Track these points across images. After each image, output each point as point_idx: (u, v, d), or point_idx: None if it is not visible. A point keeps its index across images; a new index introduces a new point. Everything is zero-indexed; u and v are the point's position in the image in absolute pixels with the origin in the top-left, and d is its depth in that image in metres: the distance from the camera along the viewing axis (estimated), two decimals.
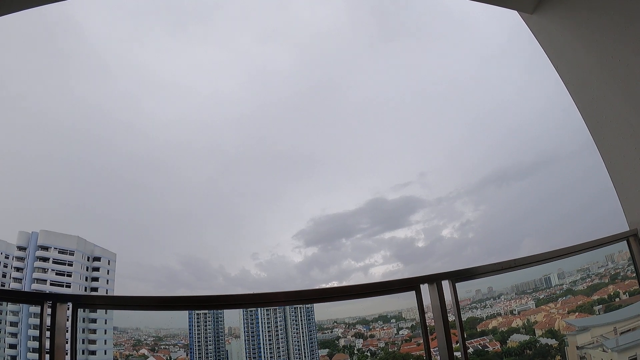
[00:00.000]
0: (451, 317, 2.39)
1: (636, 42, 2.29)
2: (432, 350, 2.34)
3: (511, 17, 3.24)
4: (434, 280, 2.31)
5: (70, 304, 2.37)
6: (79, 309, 2.41)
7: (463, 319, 2.39)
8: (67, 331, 2.45)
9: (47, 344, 2.31)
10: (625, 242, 2.89)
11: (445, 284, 2.33)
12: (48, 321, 2.35)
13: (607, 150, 2.77)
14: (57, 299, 2.32)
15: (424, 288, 2.32)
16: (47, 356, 2.28)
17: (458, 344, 2.42)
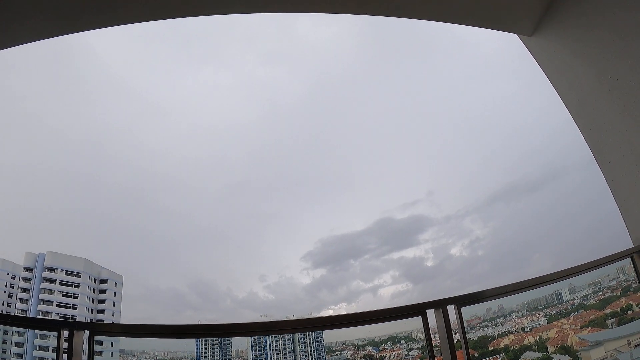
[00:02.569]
0: (458, 338, 2.39)
1: (634, 60, 2.31)
2: None
3: (514, 37, 3.29)
4: (440, 305, 2.32)
5: (87, 332, 2.42)
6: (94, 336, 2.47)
7: (474, 338, 2.39)
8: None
9: None
10: (629, 259, 2.88)
11: (451, 309, 2.33)
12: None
13: (609, 168, 2.78)
14: (74, 327, 2.37)
15: (430, 313, 2.33)
16: None
17: None
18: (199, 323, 2.50)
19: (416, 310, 2.28)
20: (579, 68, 2.78)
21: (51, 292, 35.05)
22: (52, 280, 35.46)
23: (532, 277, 2.51)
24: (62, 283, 35.69)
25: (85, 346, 2.55)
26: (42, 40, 2.90)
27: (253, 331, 2.76)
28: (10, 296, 37.09)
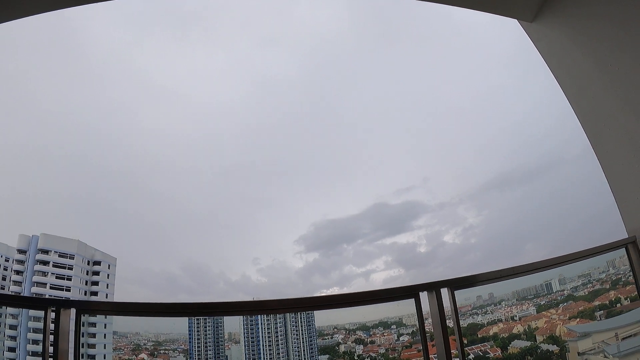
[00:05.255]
0: (450, 324, 2.40)
1: (634, 50, 2.30)
2: (431, 357, 2.34)
3: (513, 23, 3.25)
4: (433, 288, 2.32)
5: (74, 310, 2.39)
6: (82, 315, 2.43)
7: (464, 325, 2.40)
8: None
9: (50, 348, 2.33)
10: (624, 249, 2.89)
11: (444, 292, 2.33)
12: (51, 326, 2.36)
13: (606, 157, 2.78)
14: (60, 305, 2.34)
15: (423, 296, 2.33)
16: None
17: (457, 351, 2.42)
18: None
19: (409, 292, 2.28)
20: (579, 56, 2.75)
21: (44, 274, 35.05)
22: (45, 262, 35.43)
23: (528, 263, 2.52)
24: (56, 265, 35.67)
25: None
26: (36, 14, 2.83)
27: (245, 310, 2.75)
28: (3, 278, 37.10)
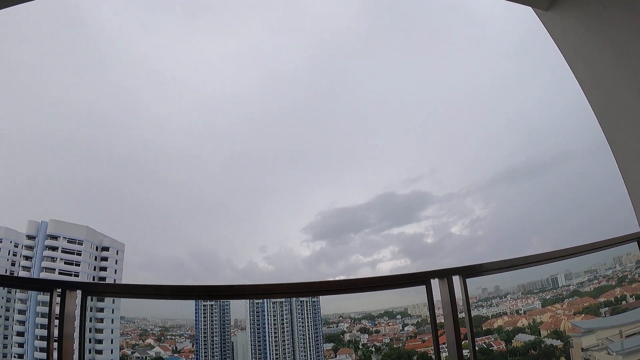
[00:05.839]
0: (459, 314, 2.39)
1: None
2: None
3: (526, 13, 3.21)
4: (445, 275, 2.30)
5: (79, 292, 2.39)
6: (87, 297, 2.42)
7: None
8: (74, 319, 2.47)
9: (55, 332, 2.33)
10: (635, 243, 2.87)
11: (456, 279, 2.32)
12: (56, 309, 2.36)
13: (621, 150, 2.74)
14: (66, 286, 2.33)
15: (434, 283, 2.32)
16: (56, 344, 2.30)
17: (466, 341, 2.42)
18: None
19: (420, 279, 2.26)
20: (595, 45, 2.71)
21: (53, 259, 35.38)
22: (54, 248, 35.78)
23: (540, 253, 2.50)
24: (64, 251, 36.02)
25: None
26: None
27: (251, 294, 2.74)
28: (13, 264, 37.54)
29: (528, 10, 3.21)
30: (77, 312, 2.45)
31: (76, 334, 2.43)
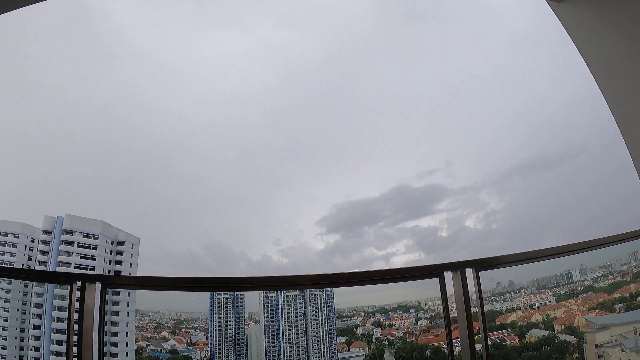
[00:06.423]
0: (472, 308, 2.40)
1: None
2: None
3: (540, 3, 3.19)
4: (458, 268, 2.31)
5: (99, 284, 2.44)
6: (106, 290, 2.48)
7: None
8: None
9: (74, 325, 2.37)
10: None
11: (469, 273, 2.32)
12: (75, 303, 2.41)
13: (635, 142, 2.71)
14: (86, 279, 2.39)
15: (448, 276, 2.33)
16: (75, 337, 2.34)
17: (479, 336, 2.43)
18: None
19: (434, 271, 2.28)
20: (608, 37, 2.68)
21: (69, 254, 35.98)
22: (70, 243, 36.38)
23: (555, 246, 2.49)
24: (80, 245, 36.60)
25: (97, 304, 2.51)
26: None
27: (266, 285, 2.78)
28: (29, 259, 38.28)
29: (541, 0, 3.19)
30: (96, 305, 2.50)
31: (95, 327, 2.48)
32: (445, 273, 2.29)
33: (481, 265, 2.33)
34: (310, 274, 2.29)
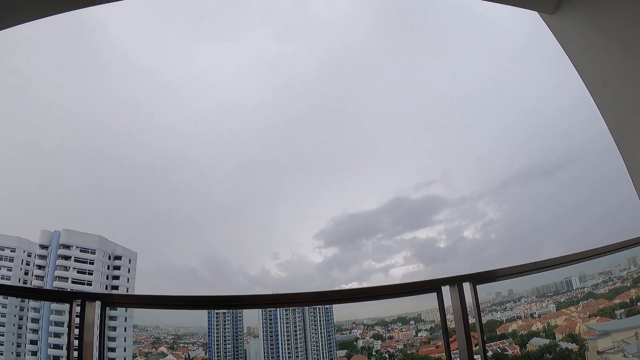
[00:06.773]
0: (471, 320, 2.39)
1: None
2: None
3: (533, 14, 3.21)
4: (455, 282, 2.31)
5: (98, 302, 2.43)
6: (106, 308, 2.47)
7: (482, 322, 2.38)
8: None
9: (72, 341, 2.36)
10: None
11: (467, 286, 2.32)
12: (75, 320, 2.40)
13: (630, 153, 2.72)
14: (86, 298, 2.38)
15: (445, 290, 2.33)
16: (76, 353, 2.34)
17: (478, 347, 2.42)
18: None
19: (431, 286, 2.28)
20: (602, 48, 2.70)
21: (66, 268, 35.83)
22: (67, 257, 36.25)
23: (551, 258, 2.49)
24: (77, 260, 36.48)
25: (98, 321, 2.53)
26: (50, 16, 2.86)
27: (265, 303, 2.78)
28: (26, 273, 38.09)
29: (535, 12, 3.22)
30: (95, 322, 2.49)
31: (94, 344, 2.47)
32: (442, 287, 2.29)
33: (478, 279, 2.33)
34: (307, 292, 2.28)
